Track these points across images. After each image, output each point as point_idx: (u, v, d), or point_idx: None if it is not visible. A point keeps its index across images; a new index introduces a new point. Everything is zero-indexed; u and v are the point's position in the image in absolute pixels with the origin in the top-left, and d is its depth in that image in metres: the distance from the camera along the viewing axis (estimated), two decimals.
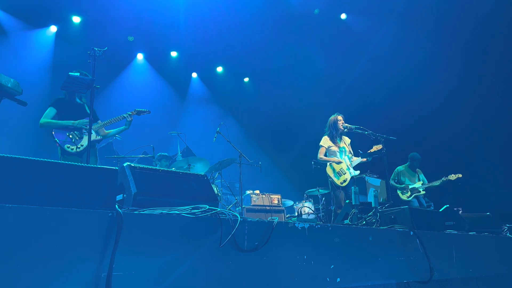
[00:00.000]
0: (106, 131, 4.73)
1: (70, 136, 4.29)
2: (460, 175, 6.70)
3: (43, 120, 4.29)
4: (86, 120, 4.31)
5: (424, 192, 6.92)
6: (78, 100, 4.57)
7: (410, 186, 6.94)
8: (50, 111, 4.35)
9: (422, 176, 7.15)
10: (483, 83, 8.18)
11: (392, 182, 7.06)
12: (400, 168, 7.24)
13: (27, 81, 6.41)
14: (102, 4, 8.37)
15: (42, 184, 1.70)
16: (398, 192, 7.04)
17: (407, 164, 7.23)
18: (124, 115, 4.62)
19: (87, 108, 4.59)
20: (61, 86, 4.45)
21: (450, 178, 6.71)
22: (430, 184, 6.90)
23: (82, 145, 4.32)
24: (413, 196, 6.87)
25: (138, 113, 4.78)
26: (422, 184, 6.93)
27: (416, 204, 6.86)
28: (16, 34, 8.27)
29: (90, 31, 8.68)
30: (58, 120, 4.32)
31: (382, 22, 9.17)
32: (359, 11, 9.50)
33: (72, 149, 4.25)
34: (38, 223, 1.55)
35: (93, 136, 4.39)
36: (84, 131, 4.36)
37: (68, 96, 4.51)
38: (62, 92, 4.49)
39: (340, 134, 5.77)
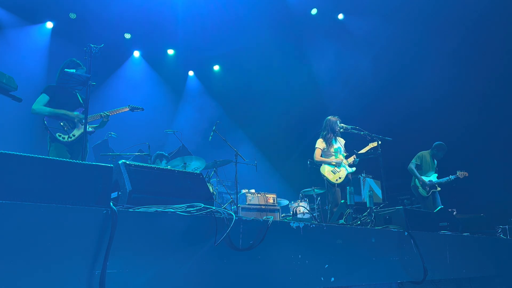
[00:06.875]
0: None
1: (62, 124, 4.26)
2: (466, 174, 6.65)
3: (36, 106, 4.24)
4: (81, 116, 4.34)
5: (439, 188, 6.67)
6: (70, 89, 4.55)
7: (427, 179, 6.66)
8: (43, 98, 4.30)
9: (435, 171, 6.85)
10: (477, 83, 8.21)
11: (411, 166, 6.72)
12: (423, 152, 6.90)
13: (23, 77, 6.35)
14: (99, 0, 8.34)
15: (36, 181, 1.69)
16: (418, 184, 6.72)
17: (430, 151, 6.89)
18: (101, 114, 4.59)
19: (79, 96, 4.57)
20: (56, 82, 4.44)
21: (459, 176, 6.64)
22: (440, 180, 6.68)
23: (73, 135, 4.29)
24: (431, 192, 6.65)
25: (132, 109, 4.83)
26: (437, 178, 6.68)
27: (431, 200, 6.62)
28: (12, 29, 8.21)
29: (86, 27, 8.62)
30: (50, 107, 4.28)
31: (377, 21, 9.19)
32: (355, 11, 9.51)
33: (64, 138, 4.23)
34: (32, 219, 1.54)
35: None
36: (76, 121, 4.34)
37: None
38: (54, 79, 4.49)
39: (336, 135, 5.83)
